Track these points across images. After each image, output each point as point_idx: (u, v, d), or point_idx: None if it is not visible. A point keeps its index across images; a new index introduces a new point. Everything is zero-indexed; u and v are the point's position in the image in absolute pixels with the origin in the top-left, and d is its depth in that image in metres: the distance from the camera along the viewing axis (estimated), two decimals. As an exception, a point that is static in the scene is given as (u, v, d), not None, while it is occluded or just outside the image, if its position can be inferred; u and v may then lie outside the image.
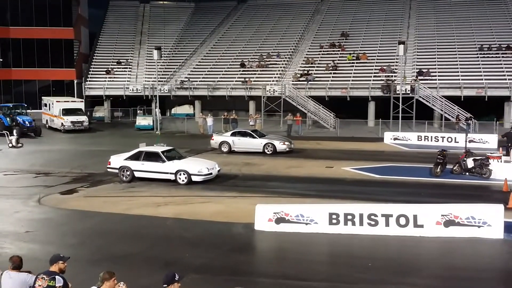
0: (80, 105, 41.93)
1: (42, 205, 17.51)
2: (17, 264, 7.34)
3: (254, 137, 28.34)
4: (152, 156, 21.01)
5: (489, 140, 29.81)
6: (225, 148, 28.40)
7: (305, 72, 44.86)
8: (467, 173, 21.27)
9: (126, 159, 21.18)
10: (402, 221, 13.40)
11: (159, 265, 11.40)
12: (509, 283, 10.91)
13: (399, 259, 12.18)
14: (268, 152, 27.60)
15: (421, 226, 13.33)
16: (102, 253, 12.55)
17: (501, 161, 21.09)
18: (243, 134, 28.85)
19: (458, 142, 29.72)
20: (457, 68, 42.05)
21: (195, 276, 10.80)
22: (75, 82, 51.05)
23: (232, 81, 45.84)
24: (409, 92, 38.08)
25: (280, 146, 27.79)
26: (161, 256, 12.26)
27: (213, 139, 29.24)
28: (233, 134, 29.01)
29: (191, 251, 12.64)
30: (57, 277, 6.91)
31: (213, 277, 11.01)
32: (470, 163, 21.20)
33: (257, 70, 46.91)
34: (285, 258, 12.58)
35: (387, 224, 13.47)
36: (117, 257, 12.07)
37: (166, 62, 50.96)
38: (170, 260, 11.84)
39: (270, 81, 44.42)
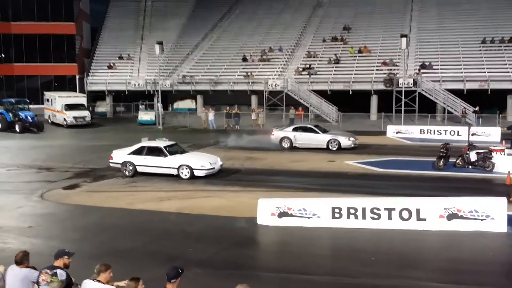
0: (82, 100, 41.93)
1: (45, 200, 17.56)
2: (18, 259, 7.40)
3: (317, 133, 27.32)
4: (154, 151, 20.99)
5: (492, 133, 29.74)
6: (286, 144, 27.32)
7: (307, 66, 44.73)
8: (470, 166, 21.23)
9: (128, 154, 21.20)
10: (405, 214, 13.39)
11: (162, 259, 11.40)
12: (512, 276, 10.89)
13: (402, 253, 12.17)
14: (332, 149, 26.35)
15: (424, 219, 13.31)
16: (105, 247, 12.56)
17: (504, 154, 21.04)
18: (305, 129, 27.79)
19: (461, 135, 29.71)
20: (460, 61, 41.87)
21: (197, 270, 10.80)
22: (77, 77, 51.05)
23: (234, 75, 45.71)
24: (411, 85, 37.98)
25: (346, 142, 26.45)
26: (164, 251, 12.27)
27: (273, 134, 28.11)
28: (295, 130, 27.91)
29: (194, 246, 12.65)
30: (59, 271, 6.95)
31: (216, 272, 11.02)
32: (473, 156, 21.16)
33: (259, 64, 46.78)
34: (287, 252, 12.57)
35: (389, 218, 13.46)
36: (120, 252, 12.10)
37: (168, 57, 50.84)
38: (173, 255, 11.84)
39: (272, 75, 44.31)
